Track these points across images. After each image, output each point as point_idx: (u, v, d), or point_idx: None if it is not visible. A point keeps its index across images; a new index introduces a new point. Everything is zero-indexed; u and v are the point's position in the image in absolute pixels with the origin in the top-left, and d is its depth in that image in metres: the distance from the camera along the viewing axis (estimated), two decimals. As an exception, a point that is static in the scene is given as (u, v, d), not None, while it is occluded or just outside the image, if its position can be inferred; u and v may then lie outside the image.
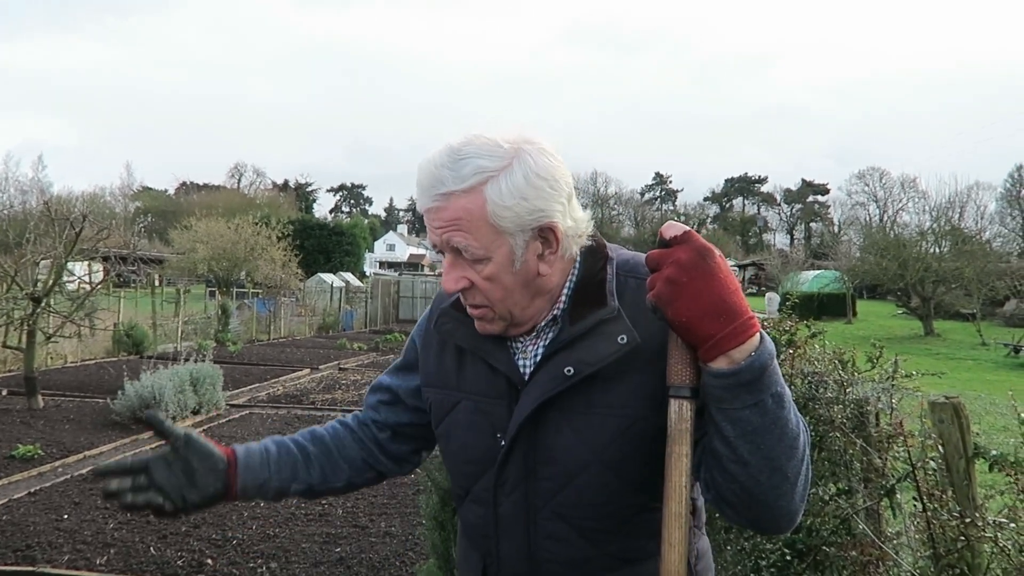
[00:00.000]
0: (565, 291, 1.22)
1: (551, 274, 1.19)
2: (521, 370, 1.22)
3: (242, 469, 1.30)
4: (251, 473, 1.31)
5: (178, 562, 4.15)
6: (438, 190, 1.12)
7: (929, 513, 2.19)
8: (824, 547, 2.70)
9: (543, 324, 1.22)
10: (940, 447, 2.31)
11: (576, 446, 1.17)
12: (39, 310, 8.62)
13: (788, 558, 2.74)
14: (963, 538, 2.10)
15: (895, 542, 2.59)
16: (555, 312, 1.21)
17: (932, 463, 2.28)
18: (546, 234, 1.16)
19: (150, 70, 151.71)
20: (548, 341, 1.21)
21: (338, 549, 4.42)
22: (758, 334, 0.99)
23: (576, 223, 1.19)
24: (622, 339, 1.13)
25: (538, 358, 1.21)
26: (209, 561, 4.20)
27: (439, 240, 1.16)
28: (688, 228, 1.02)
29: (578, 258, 1.23)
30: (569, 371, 1.15)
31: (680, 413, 1.03)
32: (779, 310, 4.05)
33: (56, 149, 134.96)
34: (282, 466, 1.35)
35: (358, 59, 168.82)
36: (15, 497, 5.27)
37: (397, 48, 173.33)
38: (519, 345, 1.25)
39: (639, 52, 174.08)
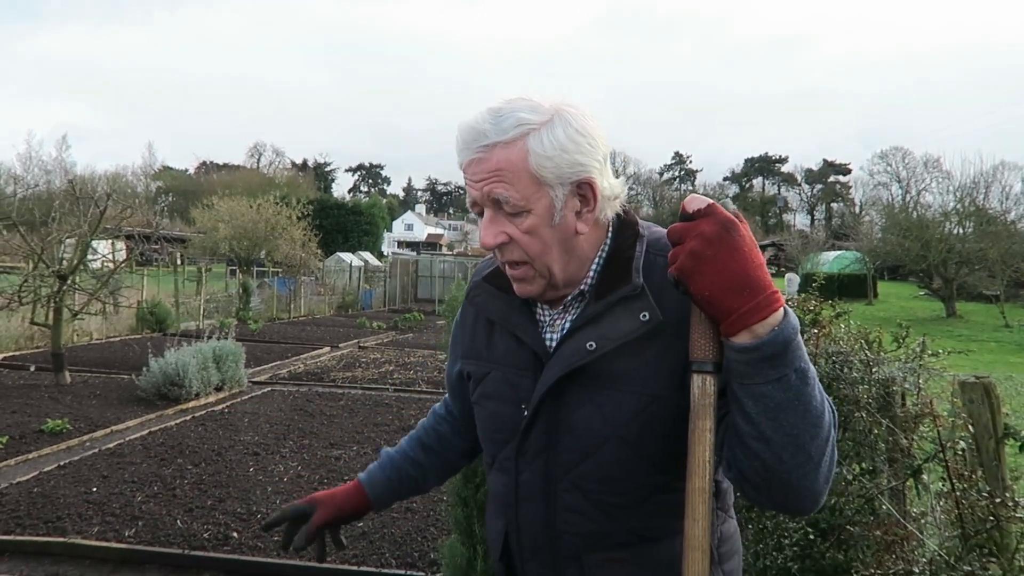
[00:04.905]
0: (594, 265, 1.22)
1: (586, 236, 1.20)
2: (548, 343, 1.24)
3: (375, 505, 1.52)
4: (381, 503, 1.53)
5: (204, 535, 4.23)
6: (480, 142, 1.14)
7: (958, 493, 2.18)
8: (848, 526, 2.70)
9: (570, 299, 1.23)
10: (970, 427, 2.29)
11: (595, 421, 1.17)
12: (65, 287, 8.73)
13: (811, 537, 2.74)
14: (992, 518, 2.08)
15: (920, 522, 2.58)
16: (582, 287, 1.22)
17: (962, 443, 2.26)
18: (584, 190, 1.17)
19: (174, 53, 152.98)
20: (575, 315, 1.22)
21: (360, 524, 4.47)
22: (782, 308, 0.98)
23: (611, 186, 1.20)
24: (644, 316, 1.13)
25: (564, 332, 1.22)
26: (235, 534, 4.27)
27: (479, 194, 1.16)
28: (712, 201, 1.01)
29: (610, 232, 1.24)
30: (591, 346, 1.16)
31: (703, 388, 1.02)
32: (804, 291, 4.01)
33: (87, 131, 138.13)
34: (402, 490, 1.55)
35: (384, 41, 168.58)
36: (45, 470, 5.38)
37: (423, 30, 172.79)
38: (547, 319, 1.26)
39: (672, 34, 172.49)
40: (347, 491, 1.49)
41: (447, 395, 1.59)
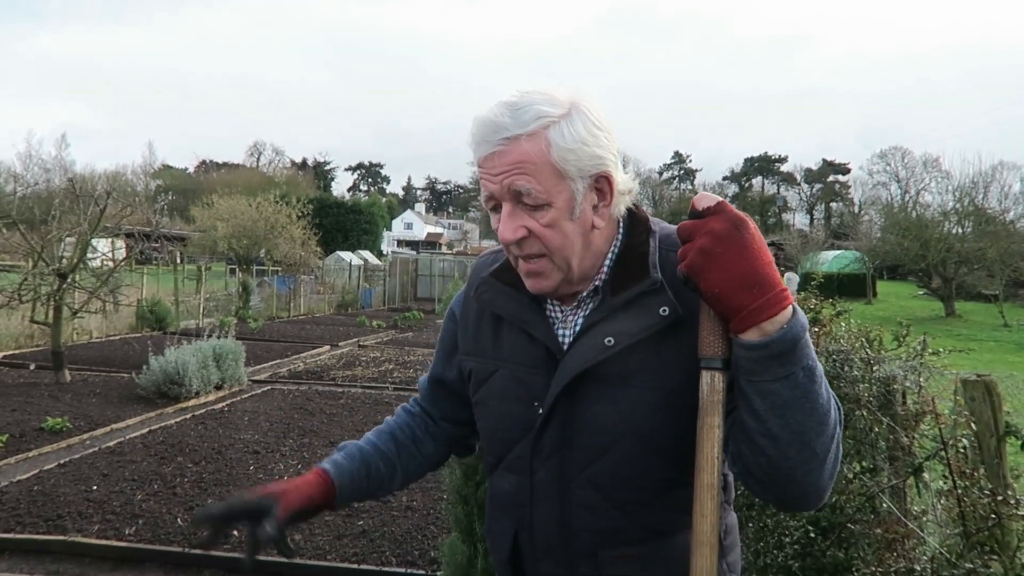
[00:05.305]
0: (607, 262, 1.22)
1: (601, 231, 1.19)
2: (560, 340, 1.22)
3: (337, 500, 1.35)
4: (343, 499, 1.36)
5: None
6: (500, 135, 1.11)
7: (959, 491, 2.18)
8: (849, 524, 2.70)
9: (584, 295, 1.22)
10: (972, 425, 2.30)
11: (612, 417, 1.16)
12: (65, 286, 8.73)
13: (812, 535, 2.74)
14: (994, 516, 2.09)
15: (921, 520, 2.58)
16: (596, 283, 1.21)
17: (963, 441, 2.26)
18: (601, 184, 1.16)
19: (174, 53, 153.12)
20: (588, 312, 1.21)
21: (360, 522, 4.48)
22: (791, 306, 0.98)
23: (624, 180, 1.20)
24: (664, 311, 1.13)
25: (578, 328, 1.21)
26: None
27: (498, 187, 1.13)
28: (721, 199, 1.01)
29: (621, 228, 1.23)
30: (609, 342, 1.15)
31: (712, 385, 1.03)
32: (804, 289, 4.02)
33: (87, 131, 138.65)
34: (368, 489, 1.39)
35: (384, 41, 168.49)
36: (45, 468, 5.38)
37: (423, 30, 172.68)
38: (559, 315, 1.25)
39: (672, 34, 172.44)
40: (310, 482, 1.30)
41: (419, 397, 1.52)
